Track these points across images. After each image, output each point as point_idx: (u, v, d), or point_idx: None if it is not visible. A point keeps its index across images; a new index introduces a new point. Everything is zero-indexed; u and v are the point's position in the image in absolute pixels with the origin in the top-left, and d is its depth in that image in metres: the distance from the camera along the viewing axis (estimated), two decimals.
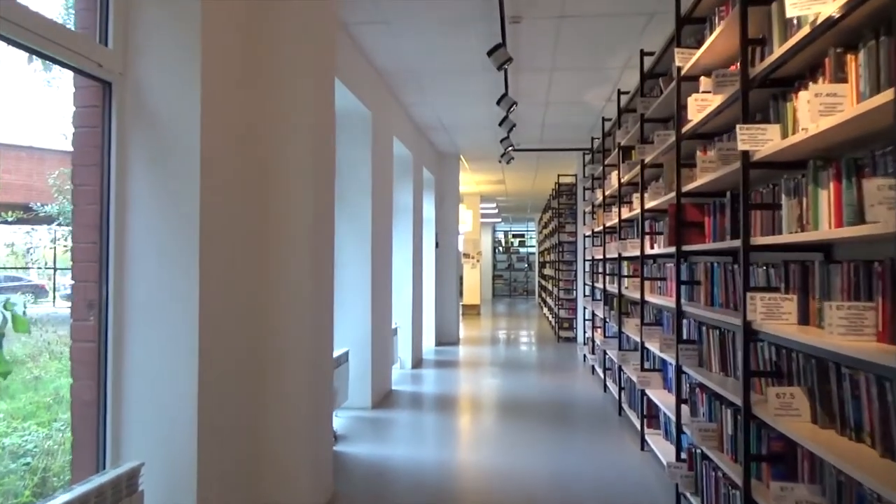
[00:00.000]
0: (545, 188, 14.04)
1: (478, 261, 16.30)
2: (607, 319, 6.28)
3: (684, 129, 3.44)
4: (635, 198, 4.84)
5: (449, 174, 10.39)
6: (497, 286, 24.68)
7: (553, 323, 12.20)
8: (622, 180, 5.39)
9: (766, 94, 2.60)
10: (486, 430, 5.18)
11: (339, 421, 5.21)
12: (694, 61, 3.29)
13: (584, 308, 8.32)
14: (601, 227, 6.76)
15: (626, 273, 5.58)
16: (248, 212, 3.10)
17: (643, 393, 4.48)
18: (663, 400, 4.06)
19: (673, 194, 3.59)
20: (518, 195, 16.08)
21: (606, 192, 6.33)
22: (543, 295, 16.29)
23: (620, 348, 5.47)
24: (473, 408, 6.00)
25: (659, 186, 4.08)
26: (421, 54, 5.39)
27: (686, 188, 3.42)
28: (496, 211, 19.69)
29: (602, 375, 6.66)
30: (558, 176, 10.75)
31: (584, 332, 8.47)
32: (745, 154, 2.49)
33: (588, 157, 8.33)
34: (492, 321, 14.66)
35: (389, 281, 6.52)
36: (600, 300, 7.23)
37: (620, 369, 5.47)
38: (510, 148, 7.63)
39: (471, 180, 13.26)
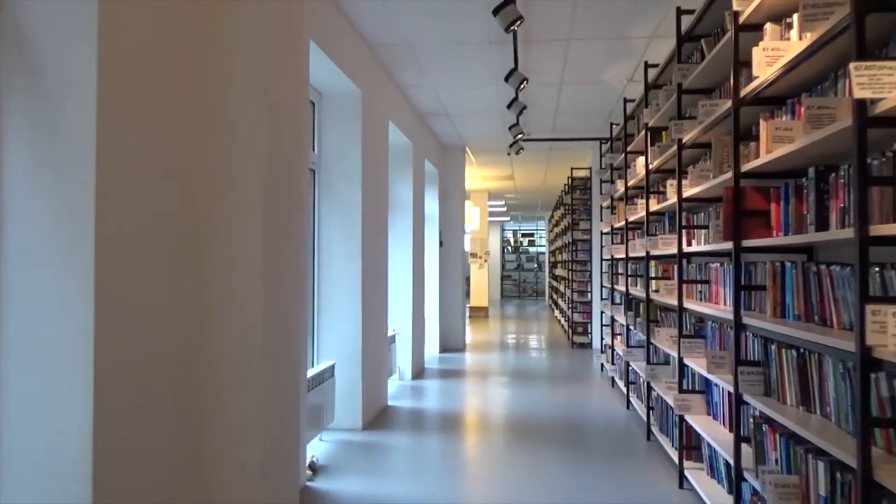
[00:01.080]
0: (556, 184, 13.29)
1: (485, 261, 15.57)
2: (631, 327, 5.54)
3: (745, 92, 2.70)
4: (669, 186, 4.10)
5: (454, 168, 9.67)
6: (506, 287, 23.93)
7: (565, 327, 11.46)
8: (650, 167, 4.65)
9: (885, 23, 1.86)
10: (494, 456, 4.46)
11: (322, 446, 4.50)
12: (757, 4, 2.55)
13: (602, 313, 7.59)
14: (622, 223, 6.02)
15: (654, 274, 4.83)
16: (172, 195, 2.37)
17: (681, 419, 3.74)
18: (709, 430, 3.32)
19: (727, 176, 2.85)
20: (528, 192, 15.33)
21: (630, 183, 5.59)
22: (554, 296, 15.54)
23: (649, 361, 4.73)
24: (479, 428, 5.27)
25: (704, 169, 3.34)
26: (418, 24, 4.67)
27: (746, 167, 2.68)
28: (505, 209, 18.95)
29: (624, 390, 5.91)
30: (571, 169, 10.01)
31: (601, 338, 7.74)
32: (862, 106, 1.75)
33: (606, 147, 7.59)
34: (500, 324, 13.93)
35: (384, 283, 5.80)
36: (620, 304, 6.49)
37: (649, 386, 4.73)
38: (519, 136, 6.89)
39: (477, 175, 12.53)
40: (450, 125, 8.07)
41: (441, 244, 9.21)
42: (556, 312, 14.54)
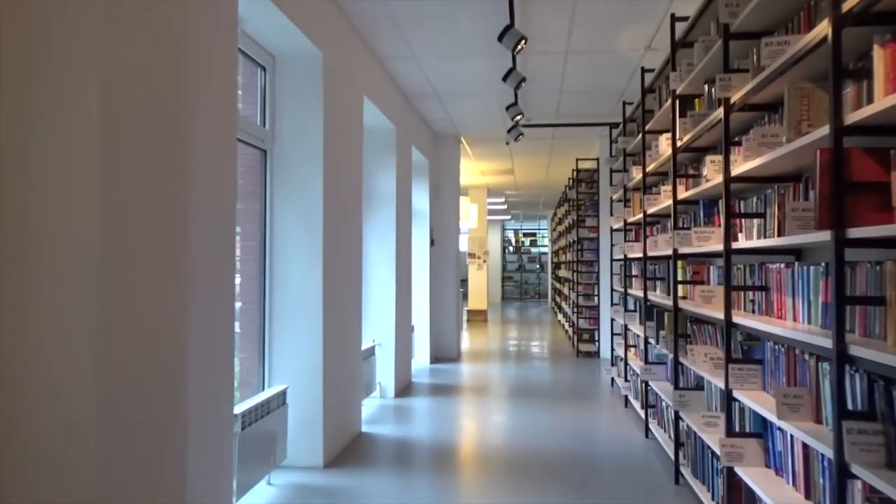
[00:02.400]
0: (560, 178, 12.38)
1: (484, 261, 14.66)
2: (651, 340, 4.63)
3: (851, 5, 1.79)
4: (709, 164, 3.18)
5: (447, 159, 8.77)
6: (507, 288, 23.02)
7: (570, 333, 10.54)
8: (679, 144, 3.74)
9: None
10: None
11: (268, 493, 3.59)
12: None
13: (612, 320, 6.69)
14: (639, 216, 5.11)
15: (684, 278, 3.93)
16: None
17: (731, 472, 2.83)
18: (773, 492, 2.41)
19: (818, 135, 1.94)
20: (529, 188, 14.42)
21: (649, 168, 4.68)
22: (557, 299, 14.63)
23: (677, 386, 3.82)
24: (470, 464, 4.37)
25: (769, 134, 2.42)
26: None
27: (852, 120, 1.78)
28: (505, 207, 18.05)
29: (642, 413, 5.00)
30: (577, 161, 9.11)
31: (612, 349, 6.83)
32: None
33: (618, 132, 6.67)
34: (500, 329, 13.02)
35: (357, 286, 4.90)
36: (635, 312, 5.59)
37: (677, 416, 3.82)
38: (519, 118, 5.99)
39: (475, 170, 11.63)
40: (441, 109, 7.17)
41: (432, 243, 8.31)
42: (560, 316, 13.63)
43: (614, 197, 6.64)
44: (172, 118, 2.29)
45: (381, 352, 6.09)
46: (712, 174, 3.08)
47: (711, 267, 3.61)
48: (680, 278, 3.93)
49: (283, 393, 3.75)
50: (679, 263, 4.13)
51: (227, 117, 2.73)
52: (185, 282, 2.31)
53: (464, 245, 19.02)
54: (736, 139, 2.95)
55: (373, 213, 6.13)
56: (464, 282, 15.42)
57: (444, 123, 7.99)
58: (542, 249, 23.44)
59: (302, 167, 4.04)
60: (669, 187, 4.08)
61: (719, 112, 2.92)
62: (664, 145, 4.08)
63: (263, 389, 3.97)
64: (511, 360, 8.77)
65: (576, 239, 9.26)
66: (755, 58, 2.64)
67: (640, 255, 5.17)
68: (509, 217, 22.06)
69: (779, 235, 2.50)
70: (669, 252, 4.02)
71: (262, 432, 3.39)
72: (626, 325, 5.75)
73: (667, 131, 4.16)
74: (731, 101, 2.80)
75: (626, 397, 5.79)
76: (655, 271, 4.88)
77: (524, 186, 14.16)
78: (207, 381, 2.54)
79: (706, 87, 3.43)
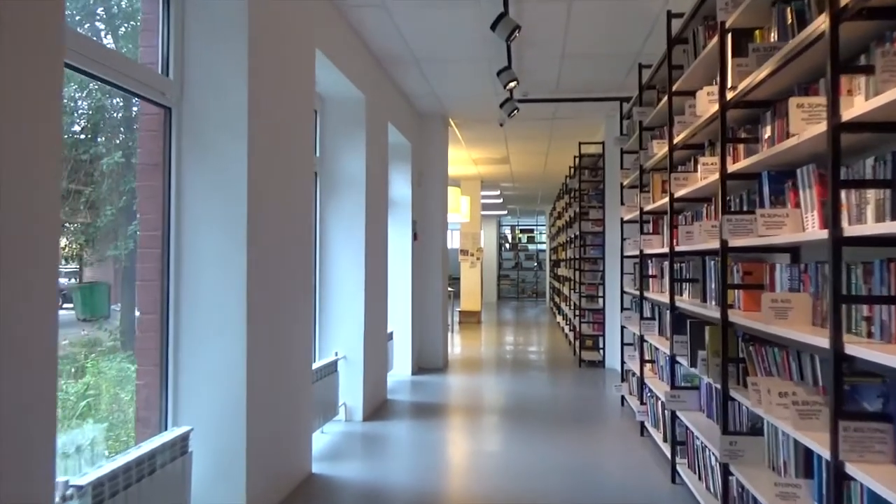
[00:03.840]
0: (559, 169, 11.35)
1: (478, 258, 13.63)
2: (679, 358, 3.61)
3: None
4: (794, 110, 2.14)
5: (432, 142, 7.73)
6: (503, 287, 22.00)
7: (570, 338, 9.52)
8: (731, 96, 2.71)
9: None
10: None
11: None
12: None
13: (622, 328, 5.67)
14: (661, 202, 4.10)
15: (735, 280, 2.90)
16: None
17: None
18: None
19: None
20: (526, 180, 13.39)
21: (679, 138, 3.65)
22: (556, 299, 13.62)
23: (726, 429, 2.79)
24: None
25: None
26: None
27: None
28: (501, 201, 17.02)
29: (666, 451, 3.99)
30: (579, 145, 8.07)
31: (622, 361, 5.82)
32: None
33: (631, 104, 5.62)
34: (495, 332, 11.99)
35: (307, 289, 3.86)
36: (654, 320, 4.57)
37: (725, 470, 2.80)
38: (512, 85, 4.96)
39: (466, 158, 10.60)
40: (422, 81, 6.14)
41: (415, 237, 7.28)
42: (559, 318, 12.62)
43: (625, 182, 5.61)
44: None
45: (346, 367, 5.07)
46: (798, 125, 2.05)
47: (777, 266, 2.59)
48: (735, 281, 2.90)
49: (186, 437, 2.72)
50: (730, 261, 3.11)
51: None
52: None
53: (456, 241, 18.00)
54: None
55: (336, 200, 5.10)
56: (456, 280, 14.41)
57: (429, 101, 6.96)
58: (540, 247, 22.43)
59: (220, 134, 3.00)
60: (713, 159, 3.06)
61: (819, 25, 1.89)
62: (703, 103, 3.04)
63: (166, 428, 2.94)
64: (505, 369, 7.74)
65: (578, 233, 8.24)
66: None
67: (663, 250, 4.15)
68: (505, 212, 21.04)
69: None
70: (711, 245, 2.99)
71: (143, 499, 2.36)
72: (641, 336, 4.73)
73: (706, 85, 3.12)
74: (844, 2, 1.77)
75: (641, 423, 4.77)
76: (683, 270, 3.86)
77: (521, 178, 13.14)
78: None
79: (775, 10, 2.41)
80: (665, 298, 4.09)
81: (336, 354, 4.91)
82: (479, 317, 13.55)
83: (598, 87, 6.27)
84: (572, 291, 9.26)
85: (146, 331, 3.06)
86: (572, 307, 9.22)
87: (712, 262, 3.33)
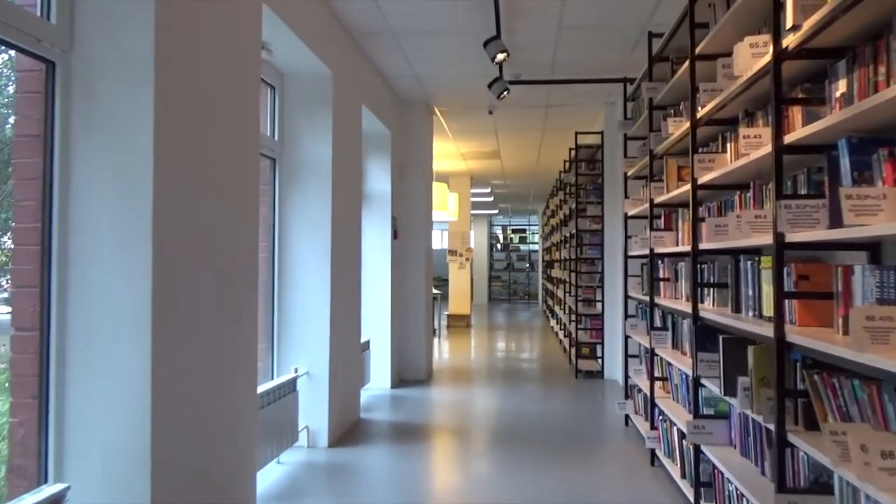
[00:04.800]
0: (553, 164, 10.69)
1: (467, 259, 12.94)
2: (706, 380, 2.93)
3: None
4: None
5: (415, 131, 7.04)
6: (495, 289, 21.31)
7: (566, 346, 8.85)
8: (792, 41, 2.04)
9: None
10: None
11: None
12: None
13: (626, 337, 4.99)
14: (680, 191, 3.43)
15: (792, 287, 2.22)
16: None
17: None
18: None
19: None
20: (518, 176, 12.72)
21: (705, 110, 2.97)
22: (550, 302, 12.95)
23: (783, 485, 2.10)
24: None
25: None
26: None
27: None
28: (492, 199, 16.34)
29: (684, 489, 3.32)
30: (576, 135, 7.40)
31: (625, 374, 5.14)
32: None
33: (636, 84, 4.94)
34: (485, 337, 11.30)
35: (252, 297, 3.16)
36: (666, 331, 3.90)
37: None
38: (502, 57, 4.29)
39: (454, 152, 9.92)
40: (401, 57, 5.45)
41: (395, 236, 6.59)
42: (552, 322, 11.95)
43: (630, 172, 4.94)
44: None
45: (309, 384, 4.36)
46: None
47: (857, 269, 1.91)
48: (791, 288, 2.23)
49: (56, 502, 2.02)
50: (763, 262, 2.45)
51: None
52: None
53: (442, 241, 17.31)
54: None
55: (299, 190, 4.40)
56: (444, 282, 13.73)
57: (410, 84, 6.27)
58: (533, 247, 21.78)
59: (118, 93, 2.30)
60: (758, 130, 2.38)
61: None
62: (744, 59, 2.36)
63: (46, 481, 2.24)
64: (496, 380, 7.05)
65: (574, 232, 7.57)
66: None
67: (681, 248, 3.49)
68: (496, 211, 20.38)
69: None
70: (757, 240, 2.32)
71: None
72: (652, 349, 4.05)
73: (746, 38, 2.45)
74: None
75: (652, 451, 4.09)
76: (710, 273, 3.19)
77: (512, 175, 12.47)
78: None
79: None
80: (682, 306, 3.43)
81: (296, 371, 4.21)
82: (469, 320, 12.86)
83: (598, 66, 5.60)
84: (567, 294, 8.59)
85: (23, 352, 2.35)
86: (567, 311, 8.55)
87: (749, 263, 2.65)
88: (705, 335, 3.01)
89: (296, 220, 4.39)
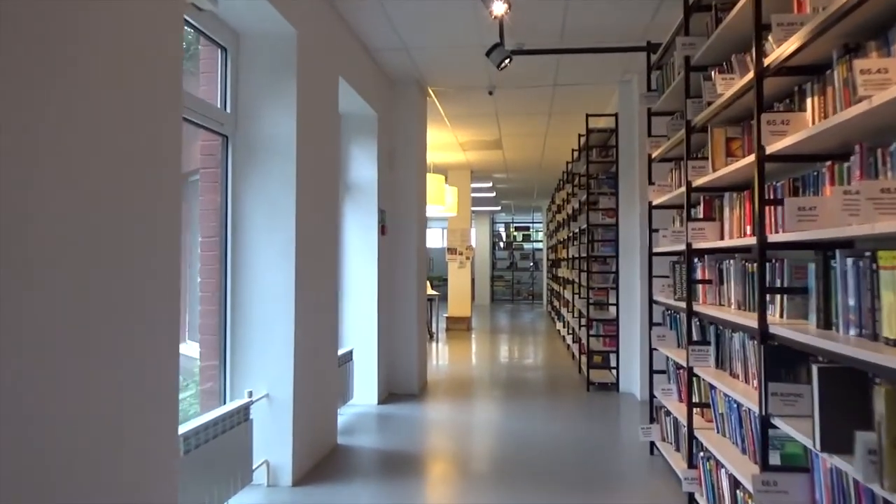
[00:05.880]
0: (560, 155, 9.90)
1: (467, 258, 12.16)
2: (775, 418, 2.15)
3: None
4: None
5: (407, 115, 6.25)
6: (497, 289, 20.52)
7: (574, 352, 8.07)
8: None
9: None
10: None
11: None
12: None
13: (652, 349, 4.20)
14: (734, 169, 2.64)
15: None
16: None
17: None
18: None
19: None
20: (522, 170, 11.93)
21: (783, 49, 2.18)
22: (556, 303, 12.16)
23: None
24: None
25: None
26: None
27: None
28: (494, 195, 15.56)
29: None
30: (587, 118, 6.61)
31: (650, 393, 4.34)
32: None
33: (662, 49, 4.14)
34: (486, 341, 10.52)
35: (172, 310, 2.37)
36: (707, 347, 3.12)
37: None
38: (502, 14, 3.51)
39: (452, 142, 9.14)
40: (383, 19, 4.66)
41: (383, 231, 5.81)
42: (559, 325, 11.17)
43: (656, 154, 4.16)
44: None
45: (269, 409, 3.59)
46: None
47: None
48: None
49: None
50: (881, 258, 1.68)
51: None
52: None
53: (443, 239, 16.53)
54: None
55: (257, 174, 3.63)
56: (444, 281, 12.96)
57: (399, 58, 5.48)
58: (537, 245, 21.00)
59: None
60: (881, 63, 1.60)
61: None
62: None
63: None
64: (497, 394, 6.28)
65: (585, 227, 6.77)
66: None
67: (727, 242, 2.71)
68: (499, 208, 19.60)
69: None
70: (882, 228, 1.54)
71: None
72: (689, 367, 3.26)
73: None
74: None
75: (689, 496, 3.30)
76: (779, 275, 2.40)
77: (515, 168, 11.68)
78: None
79: None
80: (731, 316, 2.65)
81: (250, 395, 3.43)
82: (469, 323, 12.08)
83: (616, 32, 4.82)
84: (576, 296, 7.81)
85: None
86: (577, 315, 7.77)
87: (851, 261, 1.87)
88: (779, 358, 2.23)
89: (253, 210, 3.61)
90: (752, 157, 2.35)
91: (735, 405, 2.83)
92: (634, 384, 5.99)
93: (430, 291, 10.27)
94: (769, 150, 2.24)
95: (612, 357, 6.46)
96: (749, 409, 2.64)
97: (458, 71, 5.88)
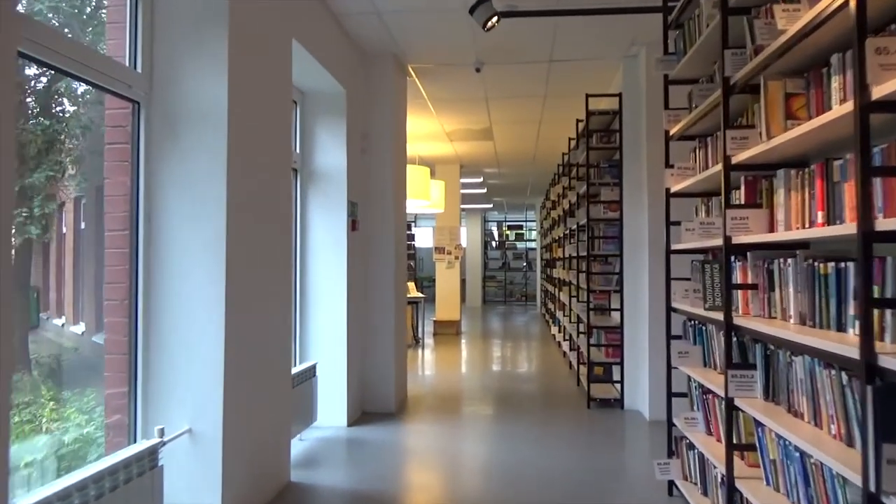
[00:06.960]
0: (555, 146, 9.16)
1: (456, 258, 11.40)
2: (887, 497, 1.41)
3: None
4: None
5: (383, 93, 5.49)
6: (489, 289, 19.76)
7: (572, 360, 7.32)
8: None
9: None
10: None
11: None
12: None
13: (671, 368, 3.44)
14: (799, 134, 1.90)
15: None
16: None
17: None
18: None
19: None
20: (514, 164, 11.20)
21: None
22: (550, 305, 11.42)
23: None
24: None
25: None
26: None
27: None
28: (485, 191, 14.82)
29: None
30: (587, 99, 5.86)
31: (668, 420, 3.59)
32: None
33: (679, 7, 3.39)
34: (477, 348, 9.77)
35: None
36: (753, 372, 2.39)
37: None
38: None
39: (438, 131, 8.38)
40: None
41: (354, 227, 5.06)
42: (553, 329, 10.43)
43: (674, 130, 3.42)
44: None
45: (191, 448, 2.83)
46: None
47: None
48: None
49: None
50: None
51: None
52: None
53: (427, 237, 15.77)
54: None
55: (179, 151, 2.86)
56: (432, 282, 12.20)
57: (372, 28, 4.73)
58: (530, 244, 20.26)
59: None
60: None
61: None
62: None
63: None
64: (487, 412, 5.53)
65: (584, 222, 6.03)
66: None
67: (785, 235, 1.98)
68: (491, 206, 18.86)
69: None
70: None
71: None
72: (731, 400, 2.52)
73: None
74: None
75: None
76: (844, 279, 1.67)
77: (507, 161, 10.94)
78: None
79: None
80: (790, 334, 1.95)
81: (161, 433, 2.66)
82: (458, 327, 11.33)
83: None
84: (574, 299, 7.06)
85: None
86: (575, 321, 7.03)
87: None
88: (887, 403, 1.50)
89: (172, 196, 2.85)
90: (847, 107, 1.61)
91: (797, 454, 2.10)
92: (642, 401, 5.26)
93: (414, 294, 9.52)
94: (876, 94, 1.50)
95: (615, 369, 5.72)
96: (822, 464, 1.91)
97: (440, 42, 5.13)
